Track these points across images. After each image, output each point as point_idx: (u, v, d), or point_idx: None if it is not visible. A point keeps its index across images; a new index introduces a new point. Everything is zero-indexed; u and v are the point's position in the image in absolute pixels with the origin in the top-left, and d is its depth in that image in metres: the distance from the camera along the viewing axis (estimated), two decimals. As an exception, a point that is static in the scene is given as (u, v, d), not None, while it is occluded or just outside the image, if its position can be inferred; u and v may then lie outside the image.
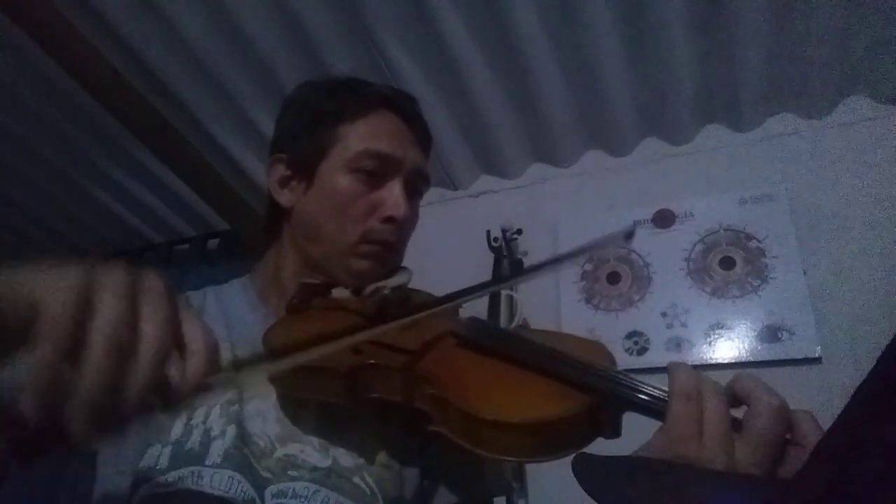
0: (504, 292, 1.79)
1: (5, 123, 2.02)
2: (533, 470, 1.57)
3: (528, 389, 0.53)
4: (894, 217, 1.56)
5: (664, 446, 0.45)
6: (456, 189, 2.14)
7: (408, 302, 0.71)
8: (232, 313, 0.73)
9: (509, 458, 0.49)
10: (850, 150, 1.68)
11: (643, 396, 0.48)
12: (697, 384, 0.46)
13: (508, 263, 1.84)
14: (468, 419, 0.50)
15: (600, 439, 0.51)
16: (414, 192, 0.76)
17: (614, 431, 0.51)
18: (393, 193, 0.72)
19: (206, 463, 0.59)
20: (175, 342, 0.35)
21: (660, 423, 0.46)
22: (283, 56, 1.71)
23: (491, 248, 1.80)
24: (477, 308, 1.66)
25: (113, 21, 1.65)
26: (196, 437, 0.60)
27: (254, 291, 0.77)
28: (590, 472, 0.44)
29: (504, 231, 1.82)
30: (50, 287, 0.32)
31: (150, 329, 0.33)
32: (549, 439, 0.48)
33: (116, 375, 0.31)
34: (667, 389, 0.47)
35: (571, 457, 0.47)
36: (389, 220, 0.71)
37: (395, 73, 1.73)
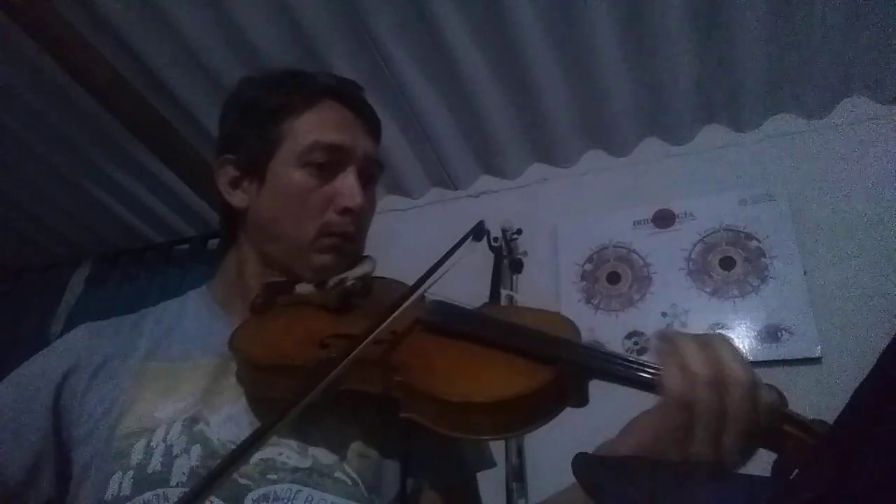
0: (504, 292, 1.79)
1: (5, 123, 2.02)
2: (533, 469, 1.57)
3: (493, 368, 0.54)
4: (894, 217, 1.55)
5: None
6: (456, 189, 2.14)
7: (370, 291, 0.71)
8: (193, 325, 0.73)
9: (481, 438, 0.52)
10: (850, 150, 1.67)
11: (603, 362, 0.51)
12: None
13: (508, 263, 1.84)
14: (437, 403, 0.51)
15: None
16: (368, 179, 0.75)
17: (581, 400, 0.53)
18: (347, 184, 0.70)
19: (171, 483, 0.57)
20: None
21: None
22: (283, 56, 1.71)
23: (491, 248, 1.80)
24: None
25: (113, 21, 1.65)
26: (157, 457, 0.59)
27: (214, 300, 0.76)
28: (590, 472, 0.44)
29: (504, 231, 1.81)
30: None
31: None
32: (518, 414, 0.50)
33: None
34: (624, 354, 0.50)
35: (571, 458, 0.47)
36: (346, 211, 0.70)
37: (395, 73, 1.73)
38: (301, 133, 0.71)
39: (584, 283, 1.82)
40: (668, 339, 0.48)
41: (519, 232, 1.85)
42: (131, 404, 0.64)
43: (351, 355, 0.51)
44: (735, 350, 0.47)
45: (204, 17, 1.63)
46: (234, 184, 0.74)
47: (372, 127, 0.77)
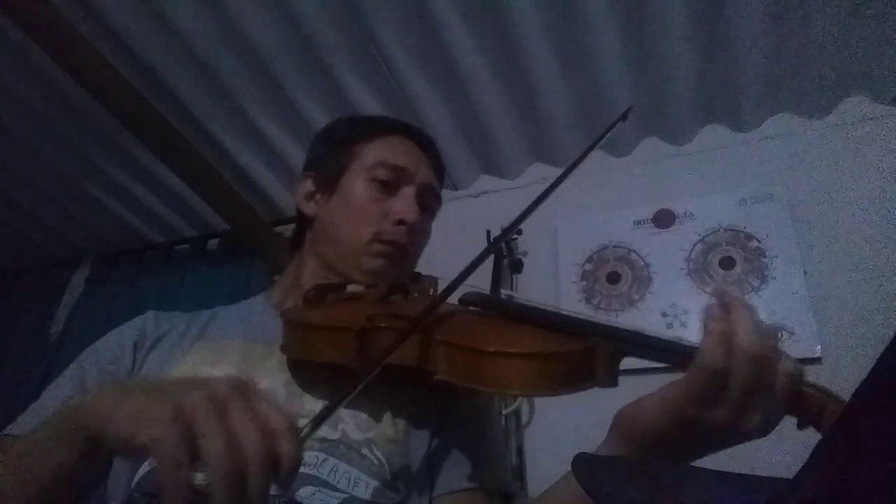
0: (504, 292, 1.79)
1: (5, 123, 2.02)
2: (533, 469, 1.57)
3: (529, 334, 0.57)
4: (894, 217, 1.55)
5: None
6: (456, 189, 2.14)
7: (414, 287, 0.75)
8: (243, 316, 0.80)
9: (510, 391, 0.56)
10: (850, 150, 1.67)
11: (637, 336, 0.53)
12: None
13: (508, 263, 1.84)
14: (471, 354, 0.53)
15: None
16: (425, 207, 0.82)
17: (611, 379, 0.54)
18: (405, 199, 0.79)
19: None
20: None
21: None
22: (283, 56, 1.71)
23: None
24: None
25: (113, 21, 1.65)
26: None
27: (268, 301, 0.84)
28: (590, 472, 0.44)
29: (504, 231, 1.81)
30: (151, 430, 0.37)
31: (250, 437, 0.37)
32: (548, 373, 0.51)
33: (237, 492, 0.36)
34: (659, 335, 0.52)
35: (571, 458, 0.47)
36: (401, 222, 0.77)
37: (395, 73, 1.73)
38: (371, 154, 0.82)
39: (584, 283, 1.82)
40: (725, 308, 0.49)
41: (519, 232, 1.84)
42: (177, 368, 0.69)
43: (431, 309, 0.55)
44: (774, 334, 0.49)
45: (204, 17, 1.63)
46: (309, 197, 0.85)
47: (435, 165, 0.87)
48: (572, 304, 1.79)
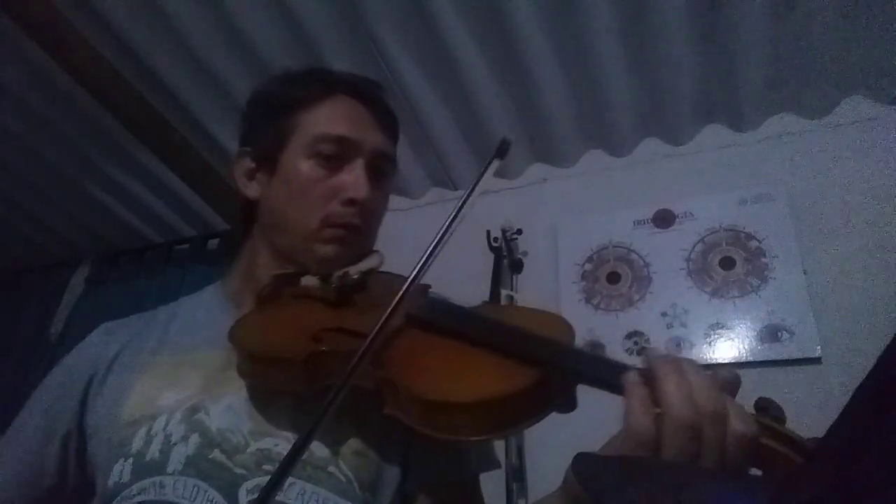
0: (504, 292, 1.79)
1: (5, 123, 2.02)
2: (533, 469, 1.57)
3: (477, 368, 0.54)
4: (894, 217, 1.55)
5: None
6: (456, 189, 2.14)
7: (371, 286, 0.71)
8: (201, 319, 0.74)
9: (460, 439, 0.50)
10: (850, 150, 1.67)
11: (589, 366, 0.50)
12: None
13: (508, 263, 1.84)
14: (417, 402, 0.51)
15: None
16: (378, 175, 0.74)
17: (567, 405, 0.51)
18: (353, 176, 0.70)
19: (168, 471, 0.58)
20: None
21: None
22: (283, 56, 1.71)
23: (491, 248, 1.80)
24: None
25: (113, 21, 1.65)
26: (156, 446, 0.60)
27: (224, 294, 0.78)
28: (590, 472, 0.43)
29: (504, 231, 1.81)
30: None
31: None
32: (498, 416, 0.49)
33: None
34: (614, 360, 0.49)
35: (571, 458, 0.47)
36: (350, 202, 0.70)
37: (395, 74, 1.73)
38: (310, 125, 0.72)
39: (584, 283, 1.82)
40: (652, 372, 0.45)
41: (519, 232, 1.85)
42: (136, 395, 0.65)
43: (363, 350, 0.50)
44: (710, 382, 0.44)
45: (204, 17, 1.63)
46: (250, 175, 0.76)
47: (385, 123, 0.77)
48: (572, 304, 1.79)
